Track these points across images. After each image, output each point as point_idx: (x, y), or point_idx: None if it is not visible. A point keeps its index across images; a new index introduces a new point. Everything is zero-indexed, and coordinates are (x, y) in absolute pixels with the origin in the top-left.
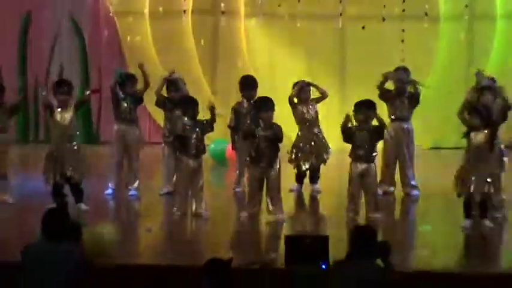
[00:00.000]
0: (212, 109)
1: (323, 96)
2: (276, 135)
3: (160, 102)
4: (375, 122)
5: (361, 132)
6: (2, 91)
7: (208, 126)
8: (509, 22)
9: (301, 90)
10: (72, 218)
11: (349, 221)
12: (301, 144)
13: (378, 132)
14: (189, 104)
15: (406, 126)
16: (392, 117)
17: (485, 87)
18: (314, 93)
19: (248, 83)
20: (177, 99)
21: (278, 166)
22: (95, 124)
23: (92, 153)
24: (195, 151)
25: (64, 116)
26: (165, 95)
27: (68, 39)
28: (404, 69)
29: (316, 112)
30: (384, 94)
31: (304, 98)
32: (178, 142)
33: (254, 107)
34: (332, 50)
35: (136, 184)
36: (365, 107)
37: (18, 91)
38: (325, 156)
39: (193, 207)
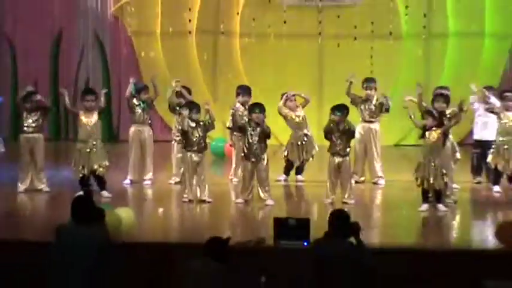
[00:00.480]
0: (207, 110)
1: (306, 101)
2: (264, 132)
3: (172, 108)
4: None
5: (337, 131)
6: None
7: (210, 125)
8: (460, 39)
9: (287, 100)
10: (96, 204)
11: (328, 205)
12: (293, 143)
13: (350, 132)
14: (193, 108)
15: (373, 127)
16: (361, 119)
17: (438, 95)
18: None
19: (243, 91)
20: (184, 104)
21: (266, 159)
22: (115, 126)
23: (113, 150)
24: (197, 147)
25: (90, 119)
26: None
27: (92, 54)
28: (372, 80)
29: (304, 116)
30: (354, 100)
31: (291, 106)
32: (183, 138)
33: (248, 110)
34: (312, 63)
35: (150, 175)
36: (338, 110)
37: (50, 97)
38: (313, 152)
39: (198, 194)
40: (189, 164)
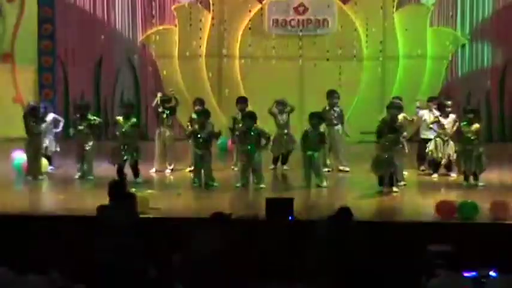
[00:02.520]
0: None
1: (291, 109)
2: (258, 134)
3: (156, 113)
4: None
5: (312, 134)
6: (88, 108)
7: (214, 136)
8: (408, 61)
9: (277, 104)
10: (128, 188)
11: (305, 188)
12: (276, 139)
13: (322, 136)
14: (203, 115)
15: (337, 128)
16: (328, 123)
17: (391, 106)
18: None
19: (241, 100)
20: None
21: (260, 153)
22: (143, 128)
23: (143, 146)
24: (201, 145)
25: (126, 124)
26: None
27: (126, 73)
28: (336, 92)
29: (288, 119)
30: (323, 111)
31: (279, 110)
32: (192, 137)
33: (243, 118)
34: (295, 79)
35: (171, 166)
36: (315, 117)
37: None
38: (292, 147)
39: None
40: (195, 156)
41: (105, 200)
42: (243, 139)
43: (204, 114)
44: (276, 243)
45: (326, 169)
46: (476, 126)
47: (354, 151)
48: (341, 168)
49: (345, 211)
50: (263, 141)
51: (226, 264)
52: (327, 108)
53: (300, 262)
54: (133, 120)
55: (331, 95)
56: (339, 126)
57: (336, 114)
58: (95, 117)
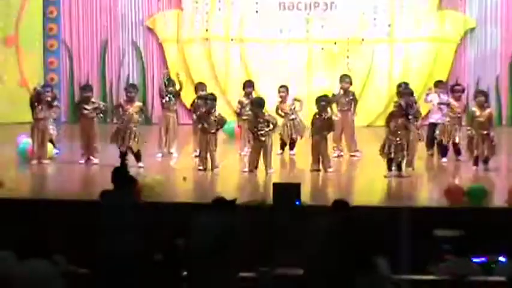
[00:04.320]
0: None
1: (301, 104)
2: (266, 121)
3: (160, 92)
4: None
5: (320, 117)
6: (91, 91)
7: (220, 123)
8: (416, 44)
9: (281, 89)
10: (130, 174)
11: (312, 173)
12: (284, 126)
13: (330, 120)
14: (211, 100)
15: (348, 114)
16: (339, 109)
17: (404, 91)
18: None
19: (248, 84)
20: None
21: (270, 139)
22: (149, 112)
23: (147, 130)
24: (208, 129)
25: (131, 107)
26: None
27: (132, 57)
28: (347, 76)
29: (293, 105)
30: (334, 96)
31: (283, 96)
32: (199, 121)
33: (252, 104)
34: (303, 63)
35: (174, 150)
36: (322, 100)
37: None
38: (300, 134)
39: (210, 164)
40: (201, 141)
41: (109, 185)
42: (251, 125)
43: (211, 98)
44: (281, 229)
45: (336, 154)
46: (489, 111)
47: (362, 135)
48: (352, 153)
49: (341, 204)
50: (270, 126)
51: (230, 251)
52: (341, 92)
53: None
54: (137, 103)
55: (343, 79)
56: (351, 113)
57: (348, 99)
58: (99, 102)
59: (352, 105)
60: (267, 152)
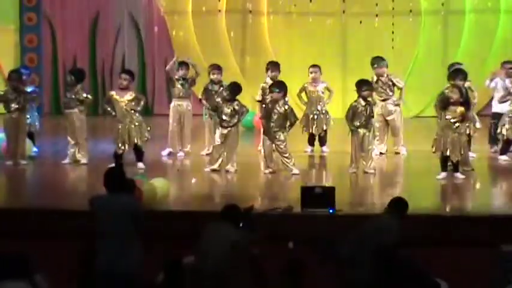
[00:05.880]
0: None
1: (331, 93)
2: (286, 114)
3: (168, 78)
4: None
5: (359, 106)
6: (82, 77)
7: (240, 114)
8: (476, 16)
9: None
10: (127, 176)
11: (351, 175)
12: (307, 116)
13: (371, 109)
14: (230, 86)
15: (389, 103)
16: (380, 98)
17: (457, 71)
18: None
19: (272, 66)
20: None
21: (284, 136)
22: (149, 101)
23: (148, 123)
24: (226, 122)
25: (125, 96)
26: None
27: (128, 33)
28: (382, 59)
29: (322, 92)
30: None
31: (315, 78)
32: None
33: (269, 88)
34: (336, 40)
35: (187, 148)
36: (364, 84)
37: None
38: (327, 125)
39: (224, 164)
40: (218, 136)
41: (101, 190)
42: (266, 115)
43: (235, 85)
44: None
45: (378, 151)
46: None
47: (410, 128)
48: (397, 150)
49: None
50: (287, 123)
51: (245, 270)
52: (374, 79)
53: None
54: (131, 93)
55: (377, 62)
56: (393, 100)
57: (385, 86)
58: (85, 95)
59: (392, 93)
60: (279, 149)
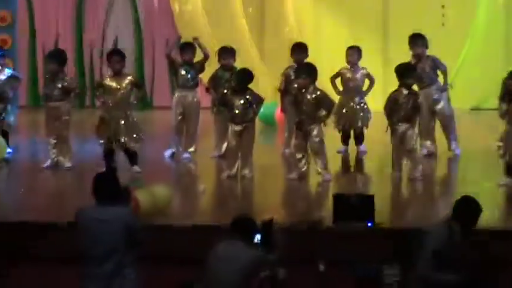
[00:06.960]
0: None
1: (371, 82)
2: (318, 100)
3: (170, 63)
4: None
5: (402, 97)
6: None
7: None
8: None
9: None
10: (121, 182)
11: (394, 180)
12: (341, 109)
13: (415, 101)
14: (241, 73)
15: (434, 91)
16: (419, 84)
17: None
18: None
19: (299, 48)
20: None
21: (318, 130)
22: (148, 91)
23: (146, 118)
24: (239, 117)
25: (118, 84)
26: None
27: (122, 8)
28: (422, 37)
29: (361, 81)
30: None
31: (351, 61)
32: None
33: (295, 74)
34: (375, 15)
35: (193, 148)
36: (407, 71)
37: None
38: (366, 121)
39: (240, 169)
40: (231, 136)
41: (89, 200)
42: (295, 105)
43: (243, 72)
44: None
45: (425, 151)
46: None
47: (465, 122)
48: (451, 149)
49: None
50: (322, 111)
51: None
52: (412, 61)
53: None
54: (128, 77)
55: (415, 41)
56: (437, 85)
57: (427, 70)
58: (70, 78)
59: (436, 77)
60: (314, 146)
